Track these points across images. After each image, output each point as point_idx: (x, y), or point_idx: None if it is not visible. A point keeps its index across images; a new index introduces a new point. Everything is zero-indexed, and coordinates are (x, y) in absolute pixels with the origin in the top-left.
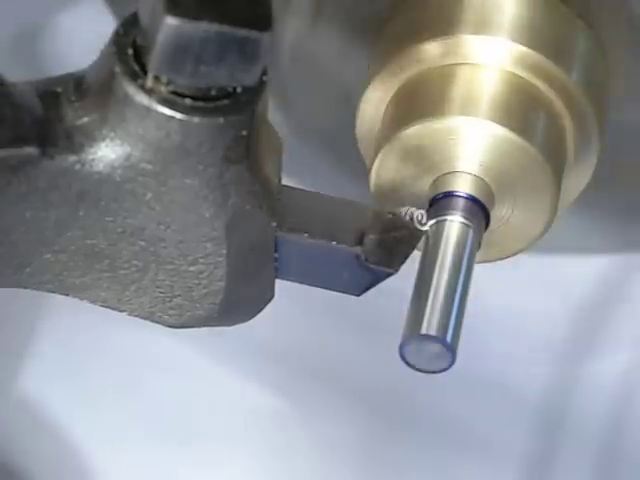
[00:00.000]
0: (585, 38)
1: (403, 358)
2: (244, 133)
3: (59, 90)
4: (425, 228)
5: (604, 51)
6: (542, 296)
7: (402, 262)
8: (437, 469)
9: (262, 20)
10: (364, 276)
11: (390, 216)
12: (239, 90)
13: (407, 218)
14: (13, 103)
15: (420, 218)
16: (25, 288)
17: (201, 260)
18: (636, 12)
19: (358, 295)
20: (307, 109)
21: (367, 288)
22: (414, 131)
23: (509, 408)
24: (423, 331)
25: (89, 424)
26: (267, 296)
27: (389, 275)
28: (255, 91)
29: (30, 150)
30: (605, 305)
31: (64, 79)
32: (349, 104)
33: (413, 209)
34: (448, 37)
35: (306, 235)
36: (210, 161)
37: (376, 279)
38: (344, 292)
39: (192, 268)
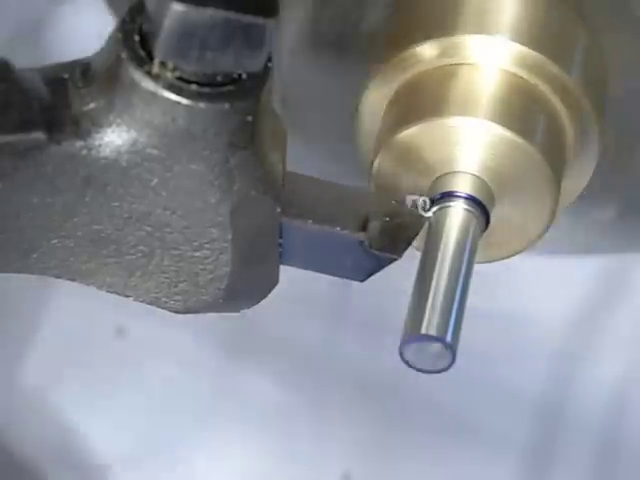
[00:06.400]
0: (584, 37)
1: (403, 358)
2: (249, 119)
3: (66, 76)
4: (428, 215)
5: (603, 50)
6: (542, 295)
7: (405, 248)
8: (436, 461)
9: (268, 6)
10: (368, 262)
11: (393, 202)
12: (244, 76)
13: (410, 204)
14: (20, 89)
15: (423, 205)
16: (31, 273)
17: (206, 245)
18: (635, 11)
19: (361, 281)
20: (306, 106)
21: (370, 274)
22: (414, 131)
23: (509, 404)
24: (423, 331)
25: (92, 412)
26: (272, 282)
27: (392, 261)
28: (260, 77)
29: (37, 135)
30: (604, 304)
31: (71, 65)
32: (349, 102)
33: (417, 195)
34: (447, 37)
35: (310, 221)
36: (216, 146)
37: (379, 265)
38: (348, 278)
39: (197, 253)
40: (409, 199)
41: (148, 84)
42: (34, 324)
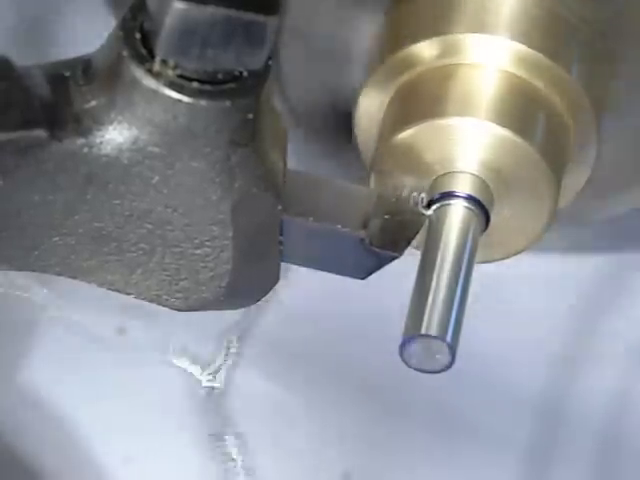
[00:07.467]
0: (584, 36)
1: (403, 358)
2: (250, 116)
3: (67, 74)
4: (429, 212)
5: (603, 50)
6: (542, 295)
7: (406, 246)
8: (436, 461)
9: (269, 4)
10: (368, 260)
11: (394, 200)
12: (245, 74)
13: (411, 202)
14: (21, 87)
15: (424, 202)
16: (33, 271)
17: (207, 243)
18: (634, 10)
19: (362, 279)
20: (304, 102)
21: (371, 272)
22: (413, 132)
23: (509, 404)
24: (423, 331)
25: (92, 412)
26: (272, 279)
27: (393, 259)
28: (261, 75)
29: (39, 133)
30: (605, 304)
31: (72, 63)
32: (348, 98)
33: (417, 193)
34: (446, 36)
35: (311, 219)
36: (217, 144)
37: (380, 263)
38: (349, 276)
39: (198, 251)
40: (409, 196)
41: (149, 82)
42: (34, 324)
